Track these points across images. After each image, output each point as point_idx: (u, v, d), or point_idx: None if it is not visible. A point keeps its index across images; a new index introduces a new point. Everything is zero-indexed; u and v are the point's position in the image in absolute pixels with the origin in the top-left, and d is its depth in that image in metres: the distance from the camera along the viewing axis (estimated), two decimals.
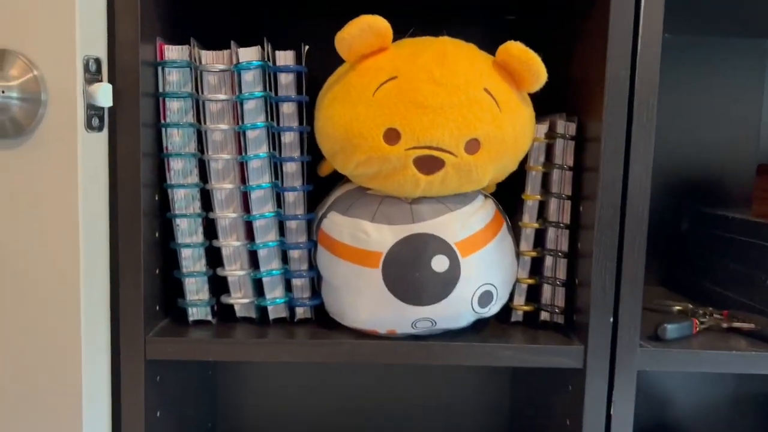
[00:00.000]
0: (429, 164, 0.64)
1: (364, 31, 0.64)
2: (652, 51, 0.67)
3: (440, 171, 0.65)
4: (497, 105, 0.65)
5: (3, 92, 0.60)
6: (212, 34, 0.84)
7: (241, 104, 0.71)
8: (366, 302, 0.67)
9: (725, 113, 1.04)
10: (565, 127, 0.73)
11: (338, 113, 0.66)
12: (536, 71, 0.65)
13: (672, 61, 1.02)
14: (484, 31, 0.95)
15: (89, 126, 0.63)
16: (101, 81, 0.65)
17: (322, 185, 0.79)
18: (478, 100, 0.64)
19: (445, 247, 0.66)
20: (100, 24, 0.65)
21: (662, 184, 1.04)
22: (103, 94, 0.63)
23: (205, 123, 0.72)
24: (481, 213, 0.69)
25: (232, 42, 0.71)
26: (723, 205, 1.04)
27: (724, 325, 0.79)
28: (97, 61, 0.64)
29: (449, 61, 0.64)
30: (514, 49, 0.65)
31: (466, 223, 0.67)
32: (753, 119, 1.04)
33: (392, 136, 0.64)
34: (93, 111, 0.64)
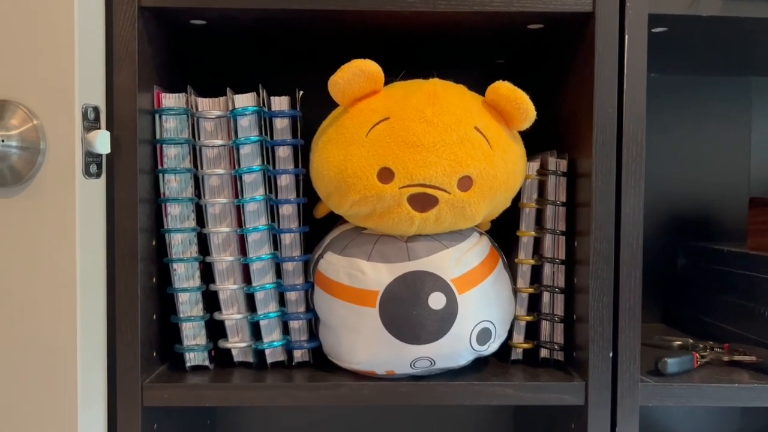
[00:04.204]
0: (423, 202, 0.65)
1: (356, 76, 0.66)
2: (637, 88, 0.68)
3: (434, 208, 0.65)
4: (488, 143, 0.66)
5: (3, 141, 0.61)
6: (208, 79, 0.86)
7: (238, 149, 0.72)
8: (364, 342, 0.67)
9: (715, 148, 1.05)
10: (556, 164, 0.74)
11: (332, 154, 0.68)
12: (525, 110, 0.66)
13: (661, 100, 1.04)
14: (474, 74, 0.97)
15: (87, 173, 0.64)
16: (99, 128, 0.66)
17: (318, 227, 0.79)
18: (470, 138, 0.65)
19: (441, 284, 0.66)
20: (99, 72, 0.67)
21: (657, 220, 1.05)
22: (102, 142, 0.65)
23: (202, 168, 0.73)
24: (476, 249, 0.70)
25: (228, 89, 0.73)
26: (718, 238, 1.05)
27: (725, 358, 0.78)
28: (96, 110, 0.66)
29: (440, 101, 0.65)
30: (503, 89, 0.67)
31: (462, 260, 0.68)
32: (743, 153, 1.06)
33: (386, 175, 0.65)
34: (91, 158, 0.65)
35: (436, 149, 0.64)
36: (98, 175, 0.66)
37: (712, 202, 1.06)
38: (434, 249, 0.68)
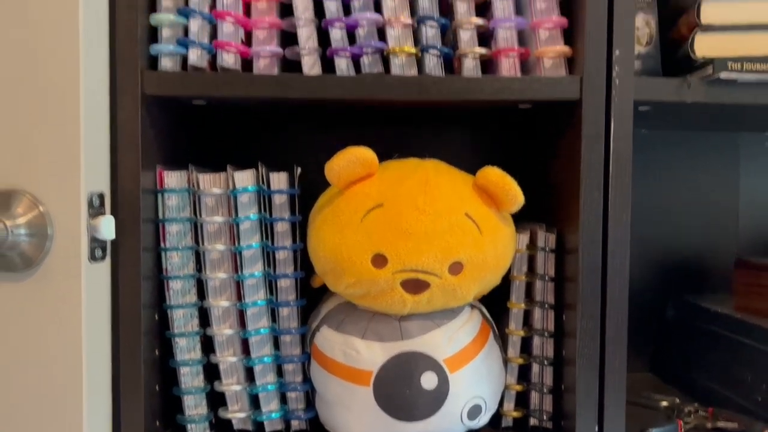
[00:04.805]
0: (415, 286, 0.68)
1: (351, 162, 0.68)
2: (624, 173, 0.71)
3: (426, 291, 0.68)
4: (478, 228, 0.68)
5: (12, 231, 0.64)
6: (209, 147, 0.89)
7: (237, 225, 0.74)
8: (358, 418, 0.70)
9: (704, 200, 1.08)
10: (545, 239, 0.77)
11: (328, 236, 0.70)
12: (513, 196, 0.69)
13: (649, 154, 1.06)
14: (469, 134, 0.99)
15: (92, 257, 0.67)
16: (104, 214, 0.69)
17: (315, 294, 0.82)
18: (460, 225, 0.68)
19: (433, 365, 0.69)
20: (104, 158, 0.70)
21: (647, 269, 1.07)
22: (106, 228, 0.67)
23: (203, 243, 0.75)
24: (468, 326, 0.72)
25: (228, 167, 0.76)
26: (708, 290, 1.07)
27: (709, 425, 0.81)
28: (101, 196, 0.68)
29: (431, 189, 0.68)
30: (492, 175, 0.69)
31: (454, 338, 0.70)
32: (731, 205, 1.08)
33: (380, 260, 0.67)
34: (96, 243, 0.67)
35: (428, 237, 0.66)
36: (103, 258, 0.69)
37: (701, 255, 1.08)
38: (427, 328, 0.70)
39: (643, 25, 0.79)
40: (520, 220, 0.77)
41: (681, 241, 1.08)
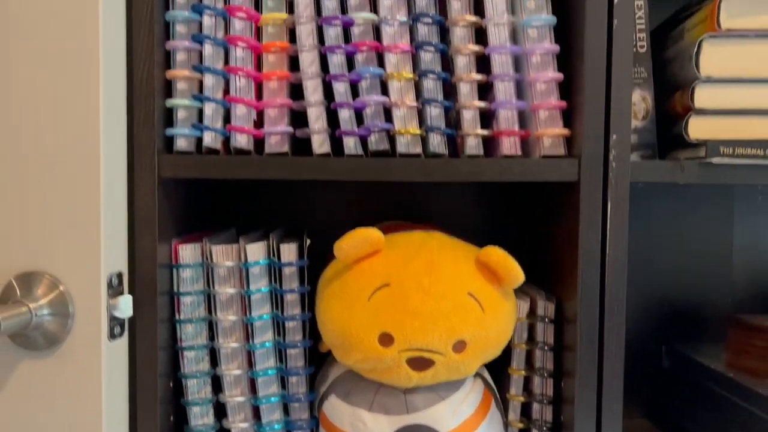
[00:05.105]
0: (420, 364, 0.71)
1: (360, 242, 0.72)
2: (619, 251, 0.74)
3: (431, 369, 0.71)
4: (481, 307, 0.71)
5: (36, 314, 0.67)
6: (223, 212, 0.92)
7: (249, 296, 0.78)
8: None
9: (699, 254, 1.11)
10: (545, 308, 0.80)
11: (336, 311, 0.73)
12: (514, 276, 0.72)
13: (644, 204, 1.09)
14: (477, 198, 1.02)
15: (111, 335, 0.70)
16: (123, 293, 0.72)
17: (321, 357, 0.85)
18: (464, 305, 0.71)
19: None
20: (122, 239, 0.73)
21: (646, 318, 1.10)
22: (125, 306, 0.70)
23: (215, 313, 0.78)
24: (471, 396, 0.76)
25: (241, 239, 0.79)
26: (703, 338, 1.10)
27: None
28: (119, 275, 0.71)
29: (436, 270, 0.71)
30: (494, 255, 0.72)
31: (458, 411, 0.74)
32: (726, 259, 1.11)
33: (386, 339, 0.70)
34: (115, 321, 0.71)
35: (432, 317, 0.70)
36: (121, 335, 0.72)
37: (699, 302, 1.11)
38: (432, 401, 0.73)
39: (640, 101, 0.82)
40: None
41: (677, 291, 1.11)
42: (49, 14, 0.67)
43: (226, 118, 0.76)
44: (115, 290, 0.71)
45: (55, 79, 0.66)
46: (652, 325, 1.11)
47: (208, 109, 0.75)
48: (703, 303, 1.11)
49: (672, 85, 0.82)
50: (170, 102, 0.74)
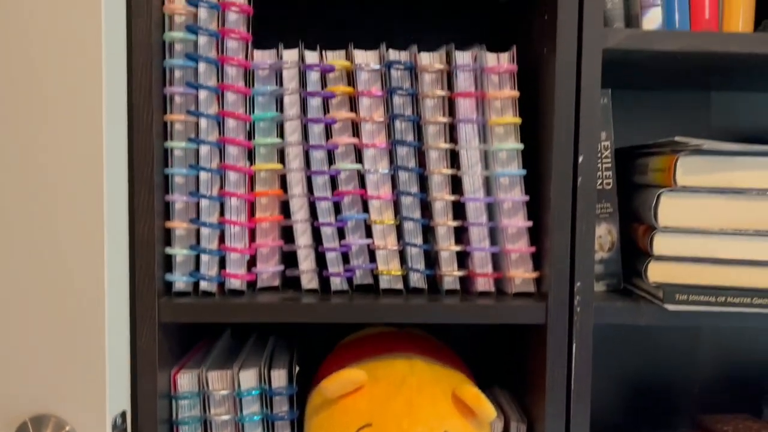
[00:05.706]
0: None
1: (345, 384, 0.78)
2: (583, 390, 0.80)
3: None
4: None
5: None
6: None
7: (243, 424, 0.84)
8: None
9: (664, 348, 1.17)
10: (517, 429, 0.87)
11: None
12: (486, 414, 0.78)
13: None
14: None
15: None
16: (126, 430, 0.78)
17: None
18: None
19: None
20: (125, 380, 0.78)
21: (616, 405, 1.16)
22: None
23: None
24: None
25: (234, 365, 0.85)
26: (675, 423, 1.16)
27: None
28: (123, 414, 0.77)
29: (415, 412, 0.77)
30: (467, 394, 0.79)
31: None
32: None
33: None
34: None
35: None
36: None
37: (665, 388, 1.18)
38: None
39: (606, 233, 0.88)
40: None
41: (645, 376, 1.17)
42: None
43: (221, 261, 0.82)
44: (119, 429, 0.76)
45: (60, 256, 0.72)
46: (622, 412, 1.17)
47: (204, 257, 0.81)
48: (670, 392, 1.18)
49: (636, 216, 0.89)
50: (169, 251, 0.80)
